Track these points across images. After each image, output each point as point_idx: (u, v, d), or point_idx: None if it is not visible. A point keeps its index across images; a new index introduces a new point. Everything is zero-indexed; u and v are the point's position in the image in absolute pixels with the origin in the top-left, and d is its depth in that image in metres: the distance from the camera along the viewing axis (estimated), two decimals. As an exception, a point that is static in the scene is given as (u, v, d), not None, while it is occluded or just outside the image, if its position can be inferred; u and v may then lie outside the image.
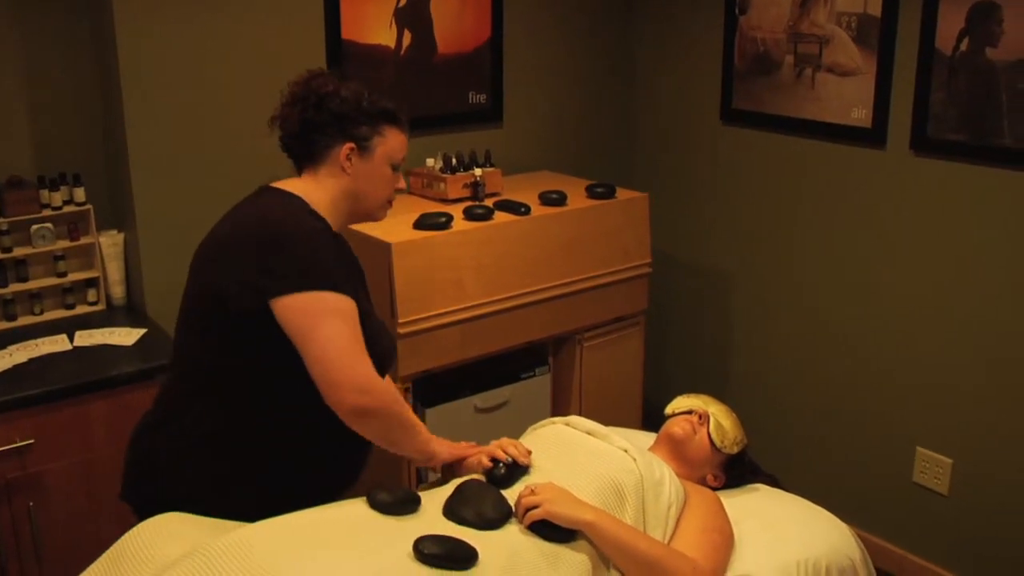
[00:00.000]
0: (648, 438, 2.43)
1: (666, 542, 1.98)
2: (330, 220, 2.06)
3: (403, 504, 1.87)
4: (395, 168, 2.13)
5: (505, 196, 3.30)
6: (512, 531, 1.85)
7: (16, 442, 2.50)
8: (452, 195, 3.24)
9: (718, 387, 3.92)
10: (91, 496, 2.65)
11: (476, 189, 3.27)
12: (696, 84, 3.80)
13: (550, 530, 1.84)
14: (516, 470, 2.01)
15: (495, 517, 1.86)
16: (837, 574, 2.14)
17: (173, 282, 2.94)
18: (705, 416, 2.30)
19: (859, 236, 3.34)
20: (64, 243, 3.00)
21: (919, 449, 3.28)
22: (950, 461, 3.19)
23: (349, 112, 2.06)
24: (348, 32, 3.22)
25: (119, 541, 1.81)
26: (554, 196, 3.26)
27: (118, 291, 3.10)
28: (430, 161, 3.30)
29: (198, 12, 2.94)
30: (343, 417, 1.91)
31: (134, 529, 1.82)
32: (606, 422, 2.23)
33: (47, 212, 2.94)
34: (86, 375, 2.61)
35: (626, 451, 2.05)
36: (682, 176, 3.95)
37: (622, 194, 3.41)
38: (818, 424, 3.61)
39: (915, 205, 3.15)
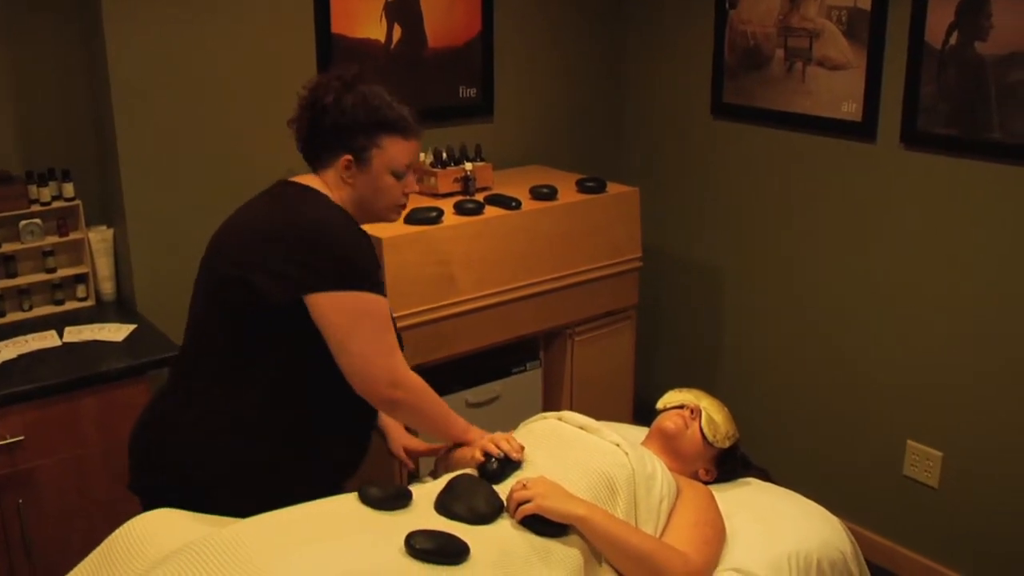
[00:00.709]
0: (639, 432, 2.42)
1: (658, 536, 1.98)
2: None
3: (394, 499, 1.87)
4: (398, 175, 2.15)
5: (496, 190, 3.30)
6: (504, 526, 1.85)
7: (6, 439, 2.49)
8: (443, 189, 3.24)
9: (709, 381, 3.92)
10: (81, 492, 2.64)
11: (467, 183, 3.27)
12: (687, 78, 3.80)
13: (542, 524, 1.84)
14: (508, 465, 2.01)
15: (487, 512, 1.86)
16: (828, 567, 2.14)
17: (163, 277, 3.01)
18: (697, 411, 2.30)
19: (849, 230, 3.34)
20: (53, 239, 2.98)
21: (909, 442, 3.28)
22: (940, 454, 3.20)
23: (346, 124, 2.08)
24: (338, 26, 3.20)
25: (110, 537, 1.81)
26: (545, 190, 3.26)
27: (107, 287, 3.09)
28: (420, 155, 3.29)
29: (187, 6, 2.92)
30: (375, 406, 2.09)
31: (125, 525, 1.82)
32: (597, 416, 2.23)
33: (36, 208, 2.92)
34: (76, 371, 2.60)
35: (618, 445, 2.05)
36: (673, 170, 3.94)
37: (613, 188, 3.41)
38: (809, 417, 3.61)
39: (905, 199, 3.16)
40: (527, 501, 1.84)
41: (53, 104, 2.96)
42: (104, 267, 3.07)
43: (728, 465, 2.36)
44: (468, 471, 2.03)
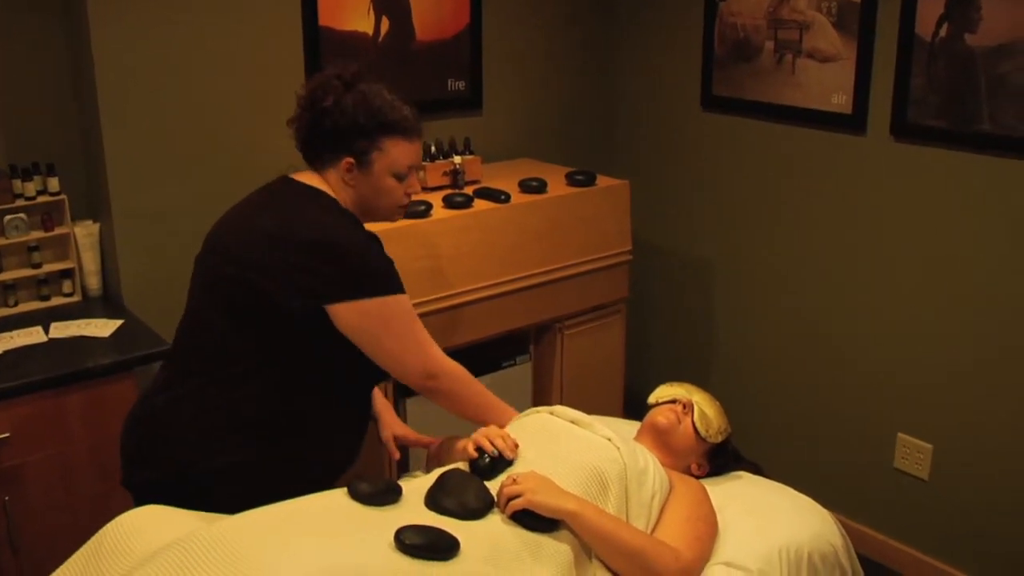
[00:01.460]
0: (631, 427, 2.42)
1: (650, 532, 1.98)
2: None
3: (384, 494, 1.86)
4: (400, 177, 2.15)
5: (485, 184, 3.29)
6: (494, 521, 1.84)
7: (-8, 435, 2.48)
8: (431, 183, 3.23)
9: (700, 375, 3.92)
10: (68, 489, 2.62)
11: (455, 177, 3.26)
12: (676, 71, 3.79)
13: (532, 520, 1.83)
14: (500, 462, 2.00)
15: (477, 507, 1.85)
16: (819, 560, 2.14)
17: (150, 272, 2.99)
18: (689, 405, 2.30)
19: (839, 222, 3.34)
20: (38, 234, 2.96)
21: (900, 435, 3.29)
22: (930, 447, 3.21)
23: (347, 127, 2.08)
24: (325, 19, 3.19)
25: (98, 533, 1.80)
26: (534, 184, 3.25)
27: (94, 282, 3.07)
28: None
29: (173, -1, 2.92)
30: (416, 391, 2.18)
31: (113, 521, 1.81)
32: (587, 411, 2.22)
33: (20, 202, 2.90)
34: (62, 367, 2.58)
35: (610, 440, 2.04)
36: (662, 163, 3.94)
37: (602, 181, 3.40)
38: (800, 411, 3.62)
39: (895, 191, 3.16)
40: (517, 496, 1.84)
41: (37, 97, 2.94)
42: (90, 262, 3.05)
43: (720, 459, 2.36)
44: (459, 466, 2.03)
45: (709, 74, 3.64)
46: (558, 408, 2.20)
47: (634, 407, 2.73)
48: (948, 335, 3.10)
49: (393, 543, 1.69)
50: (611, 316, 3.50)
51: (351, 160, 2.09)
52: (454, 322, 3.03)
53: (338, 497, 1.86)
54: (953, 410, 3.13)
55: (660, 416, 2.28)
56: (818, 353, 3.51)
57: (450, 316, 3.02)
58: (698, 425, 2.26)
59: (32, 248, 2.96)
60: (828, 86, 3.24)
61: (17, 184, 2.89)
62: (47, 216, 2.97)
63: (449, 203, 3.05)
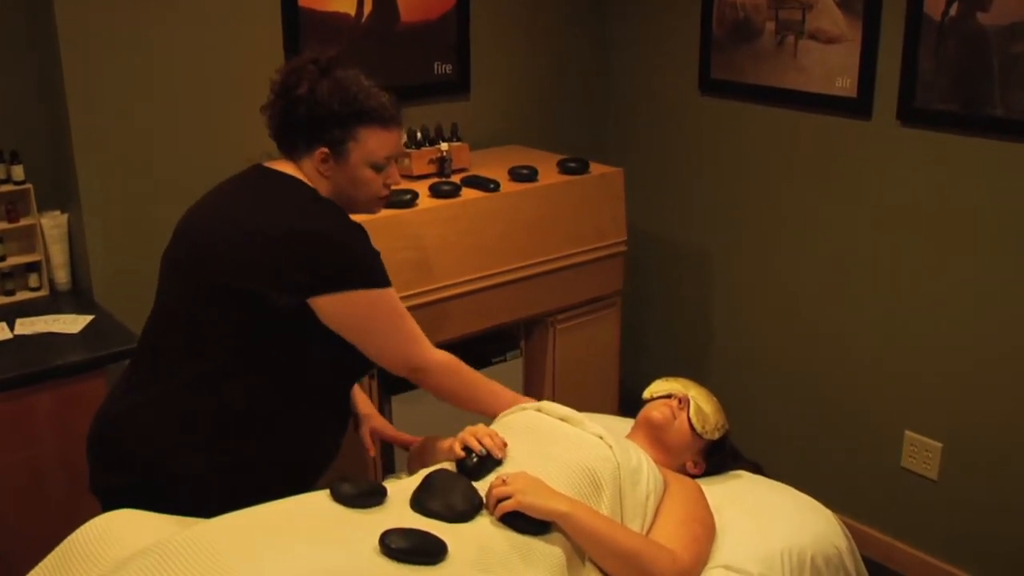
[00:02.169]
0: (625, 424, 2.41)
1: (645, 533, 1.97)
2: None
3: (368, 496, 1.85)
4: (378, 168, 2.13)
5: (473, 172, 3.28)
6: (483, 523, 1.83)
7: (-46, 439, 2.46)
8: (417, 171, 3.22)
9: (698, 370, 3.90)
10: (37, 492, 2.59)
11: (442, 165, 3.25)
12: (673, 53, 3.80)
13: (523, 522, 1.82)
14: (489, 461, 1.99)
15: (465, 509, 1.84)
16: (823, 562, 2.14)
17: (121, 265, 2.97)
18: (685, 400, 2.29)
19: (843, 211, 3.33)
20: (2, 224, 2.93)
21: (907, 433, 3.27)
22: (940, 445, 3.19)
23: (321, 116, 2.06)
24: (305, -1, 3.18)
25: (67, 539, 1.78)
26: (524, 172, 3.23)
27: (62, 275, 3.05)
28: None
29: (144, -24, 2.88)
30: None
31: (83, 526, 1.78)
32: (581, 408, 2.21)
33: (-18, 192, 2.89)
34: (29, 366, 2.56)
35: (601, 438, 2.03)
36: (659, 150, 3.94)
37: (596, 169, 3.40)
38: (802, 408, 3.61)
39: (902, 178, 3.14)
40: (507, 497, 1.82)
41: None
42: (58, 254, 3.02)
43: (717, 457, 2.35)
44: (445, 466, 2.01)
45: (707, 57, 3.64)
46: (546, 404, 2.20)
47: (630, 404, 2.74)
48: (958, 328, 3.08)
49: (378, 547, 1.68)
50: (605, 310, 3.50)
51: (326, 150, 2.08)
52: (441, 316, 3.01)
53: (320, 499, 1.85)
54: (964, 406, 3.10)
55: (655, 411, 2.27)
56: (821, 347, 3.50)
57: (437, 310, 3.00)
58: (694, 421, 2.25)
59: (-4, 240, 2.95)
60: (832, 69, 3.23)
61: (-21, 172, 2.88)
62: (11, 206, 2.94)
63: (436, 192, 3.04)
